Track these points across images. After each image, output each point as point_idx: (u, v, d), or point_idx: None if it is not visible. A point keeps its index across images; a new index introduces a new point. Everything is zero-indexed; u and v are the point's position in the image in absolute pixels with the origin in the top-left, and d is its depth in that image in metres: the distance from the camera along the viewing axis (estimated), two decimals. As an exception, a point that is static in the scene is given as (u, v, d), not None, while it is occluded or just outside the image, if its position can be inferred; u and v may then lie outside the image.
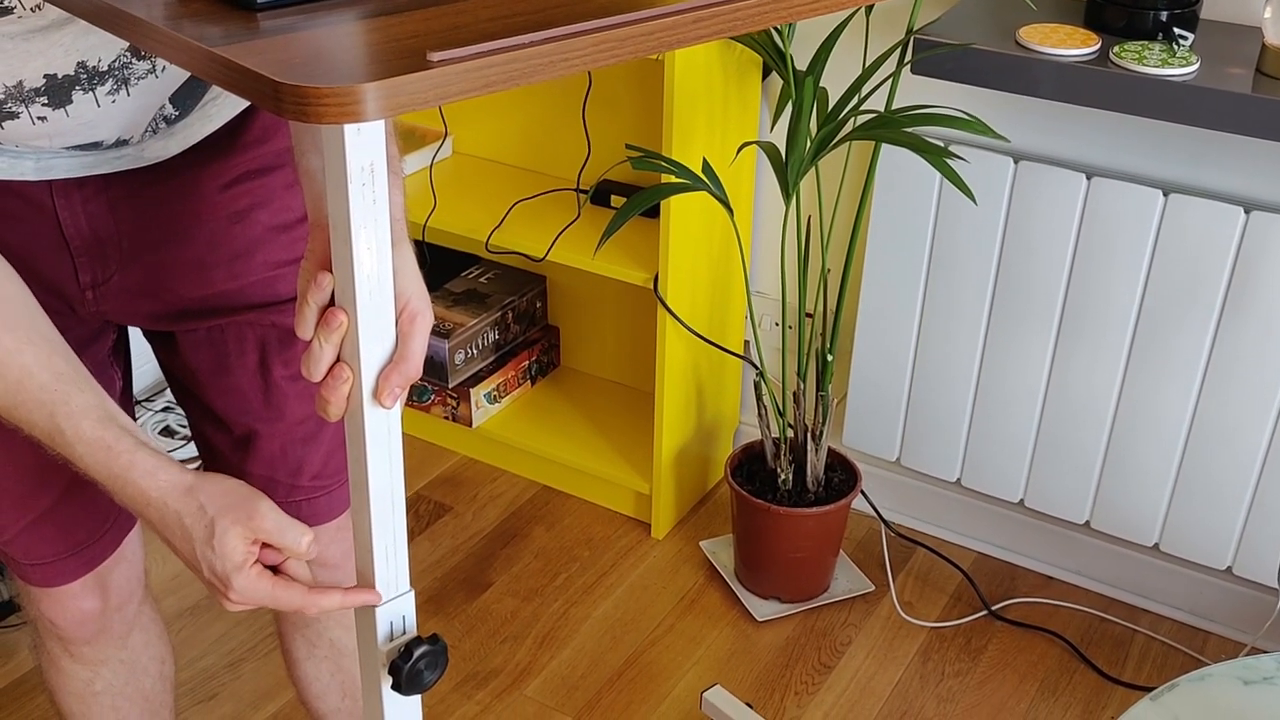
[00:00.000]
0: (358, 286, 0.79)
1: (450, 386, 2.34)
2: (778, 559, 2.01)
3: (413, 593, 0.93)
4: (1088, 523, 1.97)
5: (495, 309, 2.40)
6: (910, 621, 2.02)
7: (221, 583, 0.89)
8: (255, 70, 0.57)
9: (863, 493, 2.08)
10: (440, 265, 2.46)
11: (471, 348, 2.36)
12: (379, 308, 0.81)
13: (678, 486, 2.20)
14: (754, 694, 1.88)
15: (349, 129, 0.74)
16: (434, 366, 2.32)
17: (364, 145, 0.75)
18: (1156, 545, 1.92)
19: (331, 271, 0.82)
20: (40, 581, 1.20)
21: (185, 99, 1.04)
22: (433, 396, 2.37)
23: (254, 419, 1.19)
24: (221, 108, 1.09)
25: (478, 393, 2.34)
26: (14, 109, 0.93)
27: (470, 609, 2.04)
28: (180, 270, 1.12)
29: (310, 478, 1.22)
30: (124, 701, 1.35)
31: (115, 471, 0.90)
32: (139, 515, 0.92)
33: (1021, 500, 2.02)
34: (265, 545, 0.91)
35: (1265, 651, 1.74)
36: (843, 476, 2.04)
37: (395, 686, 0.92)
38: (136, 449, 0.90)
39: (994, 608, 2.03)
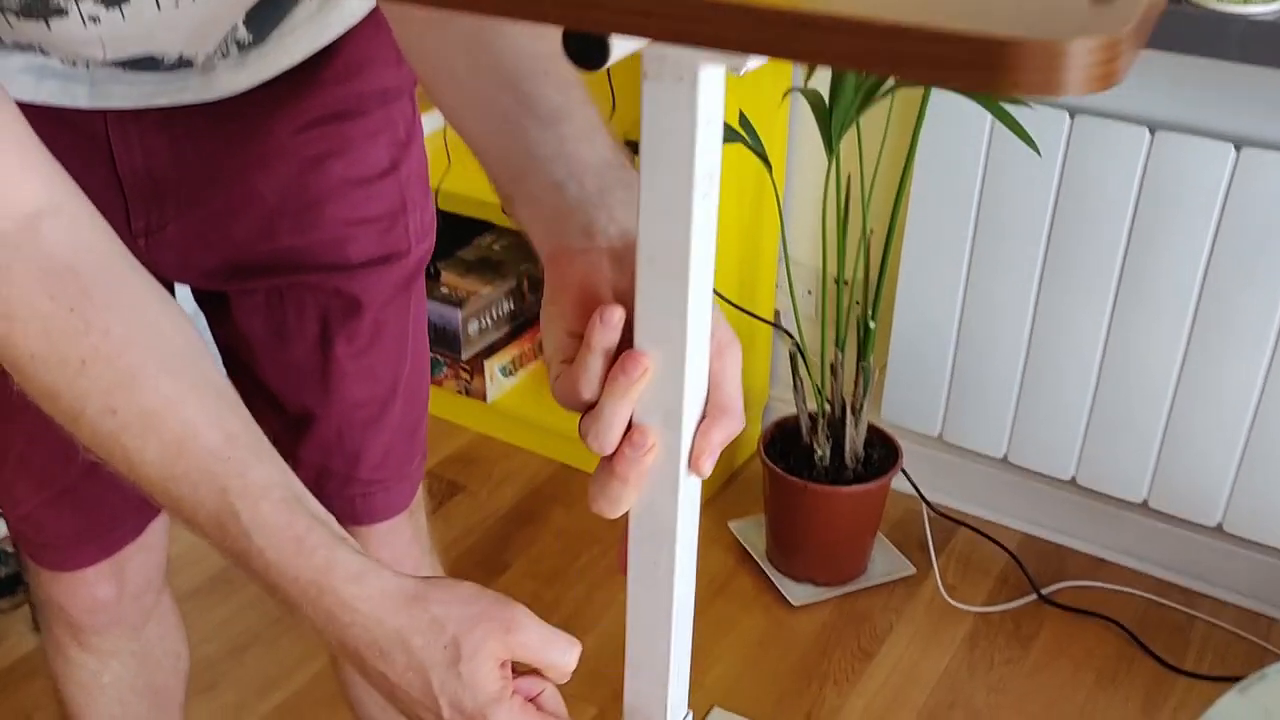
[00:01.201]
0: (690, 320, 0.59)
1: (463, 359, 2.22)
2: (813, 540, 1.90)
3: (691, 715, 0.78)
4: (1145, 502, 1.85)
5: (510, 277, 2.28)
6: (955, 606, 1.91)
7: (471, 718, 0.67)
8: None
9: (903, 470, 1.97)
10: (452, 231, 2.34)
11: (485, 317, 2.24)
12: (700, 343, 0.62)
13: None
14: (790, 683, 1.77)
15: (702, 118, 0.55)
16: (446, 337, 2.21)
17: (711, 141, 0.56)
18: (1219, 526, 1.81)
19: (610, 306, 0.62)
20: (53, 564, 1.09)
21: (262, 23, 0.89)
22: (445, 369, 2.25)
23: (310, 399, 1.06)
24: (301, 39, 0.94)
25: (492, 365, 2.23)
26: (62, 4, 0.76)
27: (487, 593, 1.93)
28: (242, 220, 0.98)
29: (369, 469, 1.10)
30: (132, 696, 1.24)
31: (307, 575, 0.66)
32: (333, 639, 0.68)
33: (1073, 478, 1.91)
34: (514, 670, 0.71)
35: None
36: (882, 453, 1.93)
37: None
38: (336, 544, 0.67)
39: (1044, 592, 1.92)
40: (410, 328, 1.09)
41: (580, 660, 1.94)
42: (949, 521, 2.06)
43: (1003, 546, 2.00)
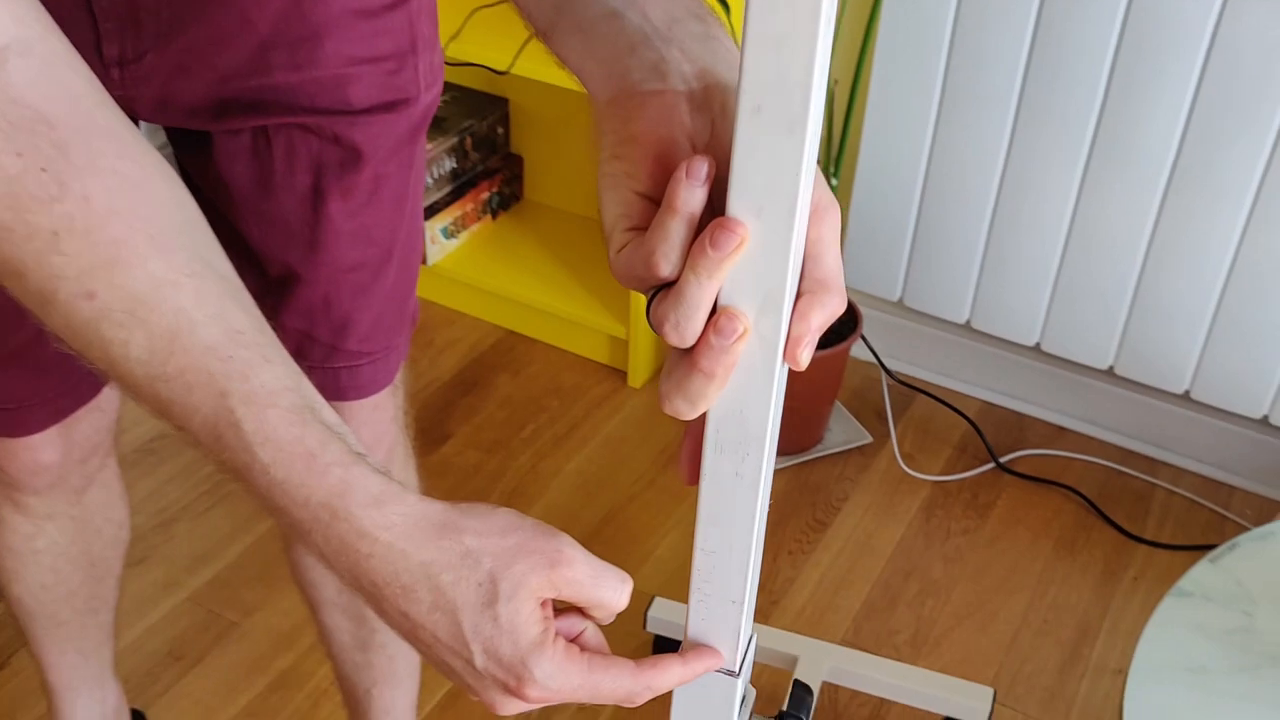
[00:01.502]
0: (803, 181, 0.50)
1: (402, 219, 2.10)
2: (769, 408, 1.82)
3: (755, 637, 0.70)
4: (1111, 368, 1.80)
5: (452, 134, 2.15)
6: (912, 475, 1.85)
7: (511, 672, 0.57)
8: None
9: (862, 337, 1.89)
10: (389, 83, 2.20)
11: (426, 176, 2.11)
12: (807, 208, 0.52)
13: (666, 344, 2.00)
14: (744, 554, 1.71)
15: None
16: (384, 196, 2.08)
17: None
18: (1186, 393, 1.75)
19: (698, 159, 0.52)
20: None
21: None
22: (383, 231, 2.13)
23: (295, 258, 0.94)
24: None
25: (433, 227, 2.11)
26: None
27: (428, 463, 1.85)
28: (230, 50, 0.85)
29: (358, 340, 0.99)
30: (66, 564, 1.16)
31: (319, 497, 0.56)
32: (346, 571, 0.58)
33: (1037, 344, 1.84)
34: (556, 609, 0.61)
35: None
36: (840, 319, 1.84)
37: None
38: (353, 462, 0.57)
39: (1002, 460, 1.87)
40: (411, 187, 0.98)
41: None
42: (908, 389, 2.00)
43: (962, 414, 1.94)
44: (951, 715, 1.42)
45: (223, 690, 1.51)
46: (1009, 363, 1.95)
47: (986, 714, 1.39)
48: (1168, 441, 1.88)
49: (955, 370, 2.00)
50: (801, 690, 0.73)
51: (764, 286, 0.52)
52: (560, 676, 0.58)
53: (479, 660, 0.57)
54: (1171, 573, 1.71)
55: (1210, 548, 1.75)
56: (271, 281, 0.95)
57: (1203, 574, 1.20)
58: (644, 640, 1.55)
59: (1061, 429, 1.95)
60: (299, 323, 0.96)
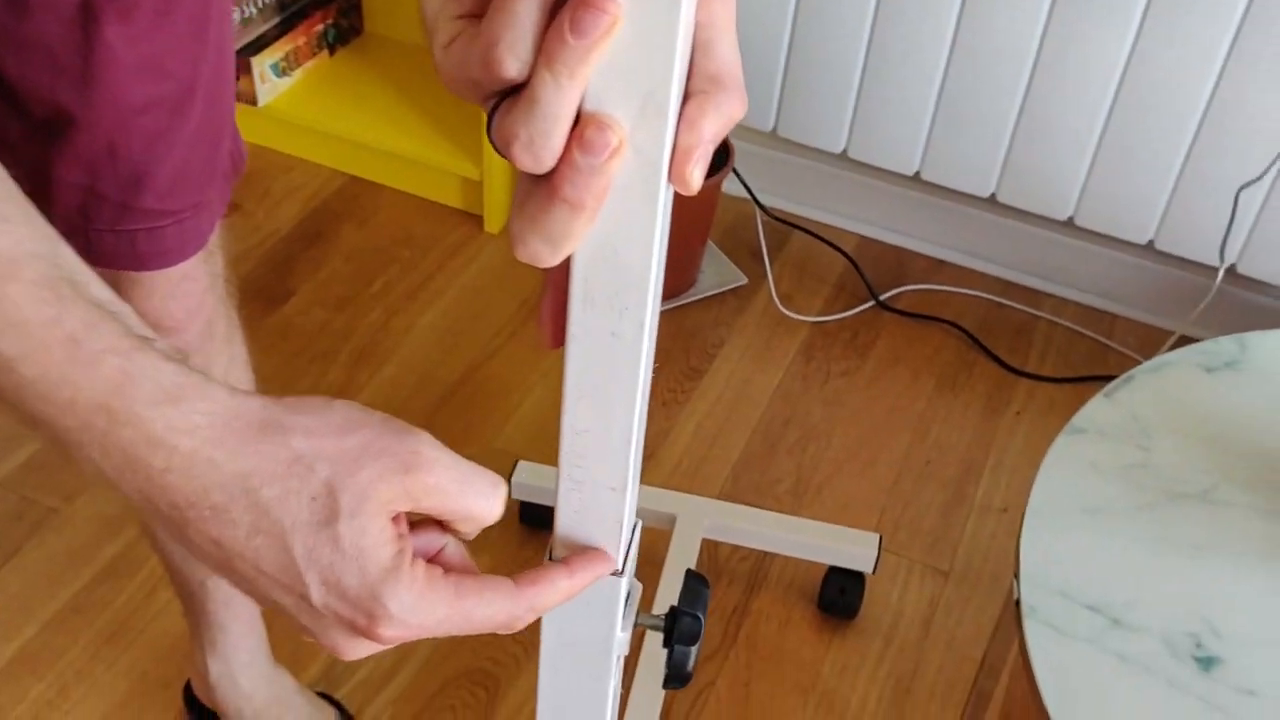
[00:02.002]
0: None
1: (225, 54, 1.89)
2: (637, 251, 1.70)
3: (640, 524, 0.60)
4: (993, 196, 1.71)
5: (276, -44, 1.93)
6: (789, 316, 1.76)
7: (358, 608, 0.45)
8: None
9: (734, 171, 1.77)
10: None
11: (249, 5, 1.90)
12: None
13: (514, 170, 1.85)
14: (615, 407, 1.61)
15: None
16: (201, 28, 1.86)
17: None
18: (1070, 220, 1.68)
19: None
20: None
21: None
22: (204, 68, 1.92)
23: (67, 96, 0.76)
24: None
25: (261, 63, 1.90)
26: None
27: (269, 323, 1.69)
28: None
29: (156, 197, 0.81)
30: None
31: (89, 396, 0.43)
32: (135, 491, 0.45)
33: (917, 174, 1.75)
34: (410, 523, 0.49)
35: (1196, 340, 1.54)
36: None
37: (672, 680, 0.63)
38: (136, 347, 0.44)
39: (882, 297, 1.79)
40: (214, 8, 0.80)
41: (377, 392, 1.69)
42: (783, 226, 1.89)
43: (840, 250, 1.85)
44: (837, 564, 1.35)
45: (43, 584, 1.36)
46: (888, 194, 1.85)
47: (873, 561, 1.33)
48: (1050, 272, 1.82)
49: (832, 204, 1.90)
50: (696, 583, 0.62)
51: (642, 86, 0.40)
52: (422, 608, 0.46)
53: (316, 595, 0.45)
54: (1055, 406, 1.66)
55: (1093, 379, 1.71)
56: (38, 124, 0.77)
57: (1097, 409, 1.14)
58: (508, 507, 1.44)
59: (942, 262, 1.87)
60: (79, 176, 0.79)
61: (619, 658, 0.64)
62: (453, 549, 0.50)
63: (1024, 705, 1.32)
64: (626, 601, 0.61)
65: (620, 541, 0.57)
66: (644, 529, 0.65)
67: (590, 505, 0.56)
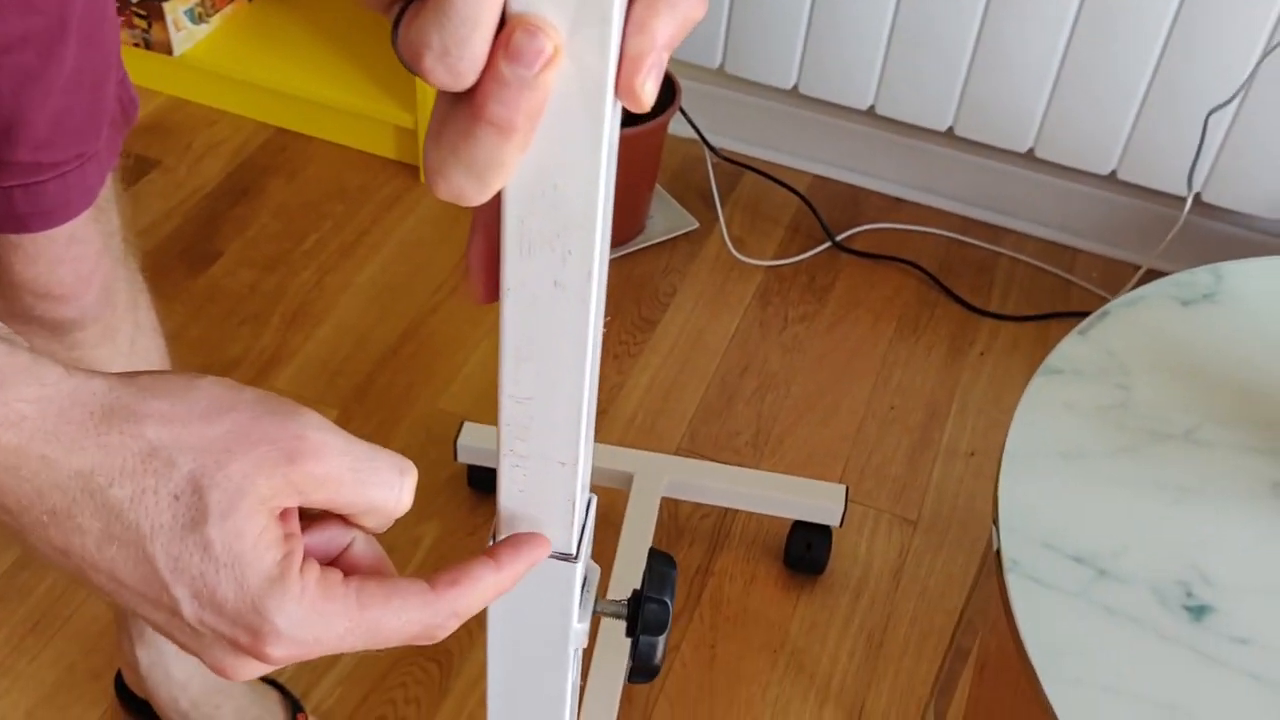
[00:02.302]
0: None
1: (133, 0, 1.78)
2: (582, 197, 1.62)
3: (595, 498, 0.53)
4: (950, 129, 1.65)
5: (187, -106, 1.81)
6: (743, 261, 1.69)
7: (239, 624, 0.38)
8: None
9: (681, 110, 1.69)
10: None
11: (159, -53, 1.78)
12: None
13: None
14: (565, 362, 1.53)
15: None
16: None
17: None
18: (1031, 151, 1.62)
19: None
20: None
21: None
22: (115, 16, 1.80)
23: None
24: None
25: (175, 9, 1.79)
26: None
27: (195, 286, 1.60)
28: None
29: (31, 149, 0.72)
30: None
31: None
32: None
33: (871, 108, 1.68)
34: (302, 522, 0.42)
35: (1164, 273, 1.50)
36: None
37: (638, 673, 0.57)
38: None
39: (838, 238, 1.72)
40: None
41: (313, 355, 1.60)
42: (733, 166, 1.82)
43: (794, 190, 1.78)
44: (803, 519, 1.30)
45: (-41, 571, 1.28)
46: (841, 131, 1.78)
47: (840, 514, 1.27)
48: (1010, 206, 1.76)
49: (784, 143, 1.83)
50: (662, 564, 0.55)
51: None
52: (315, 623, 0.39)
53: (188, 610, 0.38)
54: (1019, 345, 1.61)
55: (1057, 316, 1.66)
56: None
57: (1071, 347, 1.08)
58: (455, 471, 1.37)
59: (899, 200, 1.81)
60: None
61: (576, 650, 0.57)
62: (362, 546, 0.43)
63: (1001, 660, 1.28)
64: (583, 588, 0.55)
65: (573, 522, 0.50)
66: (598, 489, 0.59)
67: (536, 483, 0.49)
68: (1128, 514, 0.94)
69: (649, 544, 1.25)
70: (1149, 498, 0.96)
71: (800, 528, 1.31)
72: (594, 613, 0.57)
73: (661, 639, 0.56)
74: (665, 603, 0.56)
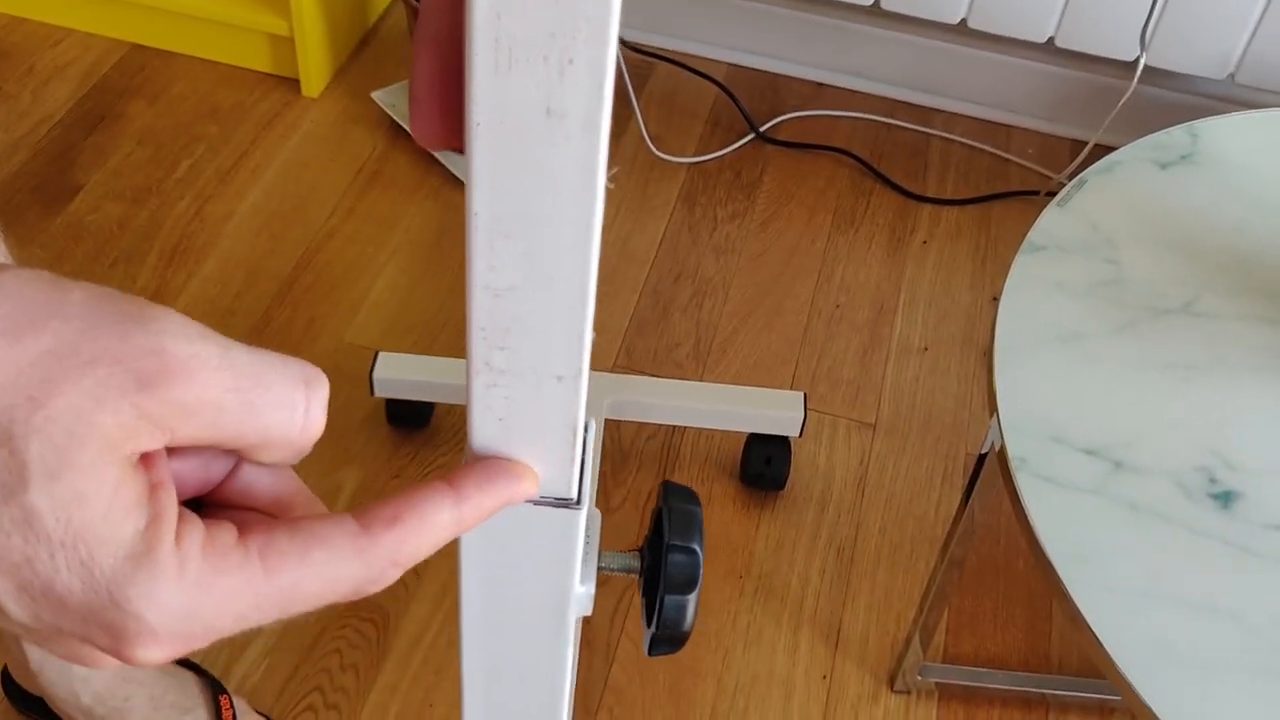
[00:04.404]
0: None
1: (-46, -95, 1.57)
2: (484, 100, 1.47)
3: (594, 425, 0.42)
4: (877, 3, 1.53)
5: None
6: (664, 159, 1.57)
7: (95, 622, 0.27)
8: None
9: None
10: None
11: None
12: None
13: (329, 22, 1.59)
14: (481, 282, 1.40)
15: None
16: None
17: None
18: (963, 22, 1.52)
19: None
20: None
21: None
22: (-69, -75, 1.59)
23: None
24: None
25: (2, -86, 1.58)
26: None
27: (55, 226, 1.42)
28: None
29: None
30: None
31: None
32: None
33: (790, -16, 1.55)
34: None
35: (1113, 148, 1.41)
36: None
37: (663, 643, 0.46)
38: None
39: (762, 129, 1.61)
40: None
41: (199, 295, 1.44)
42: (643, 58, 1.69)
43: (712, 80, 1.66)
44: (759, 431, 1.20)
45: None
46: (757, 15, 1.66)
47: (800, 423, 1.18)
48: (939, 85, 1.66)
49: (692, 32, 1.70)
50: (683, 500, 0.43)
51: None
52: (204, 606, 0.28)
53: (17, 609, 0.27)
54: (962, 230, 1.52)
55: (997, 197, 1.58)
56: None
57: (1052, 221, 0.99)
58: (371, 408, 1.24)
59: (820, 85, 1.70)
60: None
61: (577, 620, 0.46)
62: (265, 481, 0.31)
63: (983, 567, 1.20)
64: (586, 541, 0.43)
65: (573, 456, 0.39)
66: None
67: (523, 407, 0.37)
68: (1136, 399, 0.86)
69: (594, 476, 1.14)
70: (1155, 379, 0.87)
71: (756, 441, 1.21)
72: (599, 570, 0.46)
73: (692, 597, 0.45)
74: (694, 551, 0.45)
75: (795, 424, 1.19)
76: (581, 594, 0.44)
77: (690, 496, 0.46)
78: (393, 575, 0.31)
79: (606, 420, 1.20)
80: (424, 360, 1.24)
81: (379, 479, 1.21)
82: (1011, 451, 0.82)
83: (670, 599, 0.45)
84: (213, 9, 1.59)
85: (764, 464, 1.21)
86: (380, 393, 1.20)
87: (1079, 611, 0.73)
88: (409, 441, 1.24)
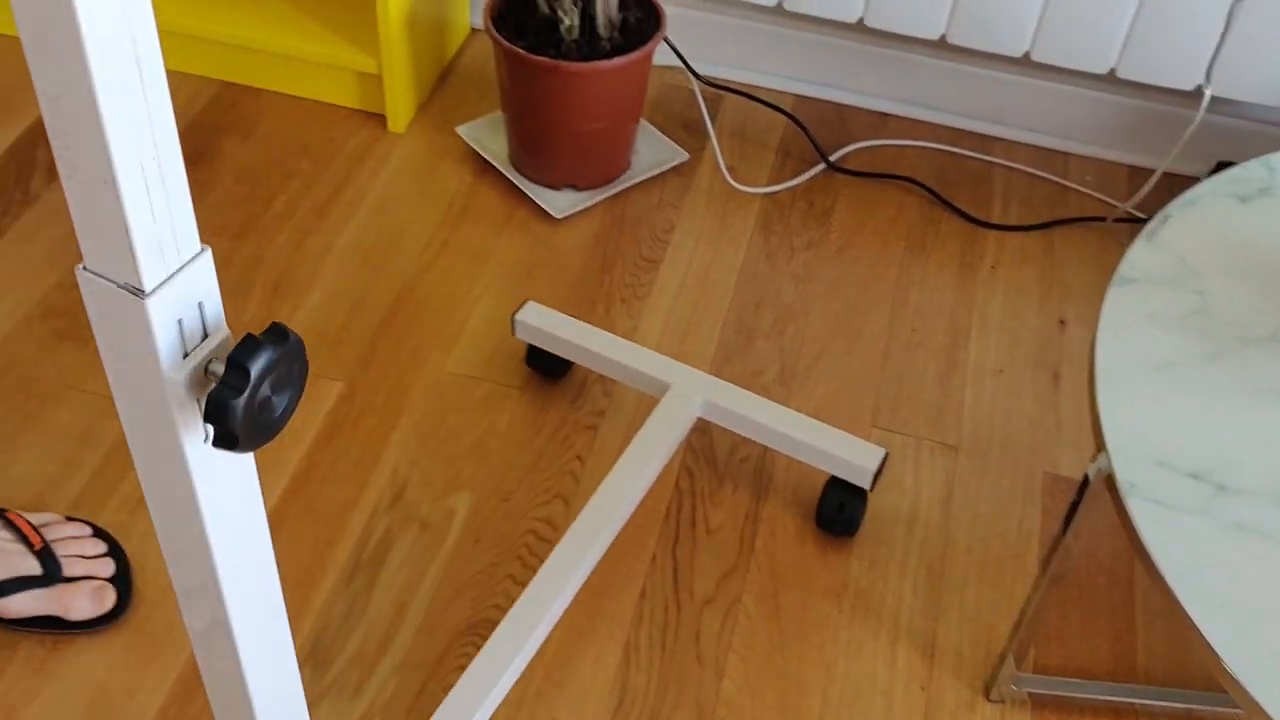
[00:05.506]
0: None
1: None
2: (567, 135, 1.55)
3: (209, 251, 0.54)
4: (943, 38, 1.59)
5: None
6: (740, 190, 1.63)
7: None
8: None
9: (665, 39, 1.61)
10: None
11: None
12: None
13: (414, 57, 1.66)
14: (573, 308, 1.47)
15: None
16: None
17: None
18: (1027, 55, 1.58)
19: None
20: None
21: None
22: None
23: None
24: None
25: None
26: None
27: (163, 262, 1.49)
28: None
29: None
30: None
31: None
32: None
33: (860, 20, 1.62)
34: None
35: (1178, 174, 1.47)
36: (639, 16, 1.56)
37: (221, 440, 0.51)
38: None
39: (831, 158, 1.67)
40: None
41: (306, 326, 1.51)
42: (716, 91, 1.75)
43: (783, 111, 1.72)
44: (837, 474, 1.24)
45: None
46: (827, 48, 1.72)
47: (872, 476, 1.22)
48: (999, 114, 1.72)
49: (765, 64, 1.76)
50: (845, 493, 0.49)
51: None
52: None
53: None
54: (1028, 256, 1.58)
55: (1059, 224, 1.63)
56: None
57: (1141, 255, 1.05)
58: (479, 434, 1.29)
59: (884, 115, 1.76)
60: None
61: (191, 406, 0.54)
62: None
63: (1076, 583, 1.26)
64: (183, 333, 0.53)
65: (131, 249, 0.49)
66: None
67: (88, 202, 0.49)
68: (1232, 424, 0.92)
69: (668, 452, 1.21)
70: (1249, 405, 0.93)
71: (834, 485, 1.25)
72: (204, 367, 0.54)
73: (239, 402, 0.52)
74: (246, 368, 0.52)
75: (866, 476, 1.22)
76: (177, 381, 0.53)
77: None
78: None
79: (698, 420, 1.25)
80: (564, 319, 1.35)
81: (489, 501, 1.27)
82: (1121, 476, 0.88)
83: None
84: (304, 48, 1.66)
85: (838, 509, 1.25)
86: (521, 335, 1.34)
87: (1195, 626, 0.79)
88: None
